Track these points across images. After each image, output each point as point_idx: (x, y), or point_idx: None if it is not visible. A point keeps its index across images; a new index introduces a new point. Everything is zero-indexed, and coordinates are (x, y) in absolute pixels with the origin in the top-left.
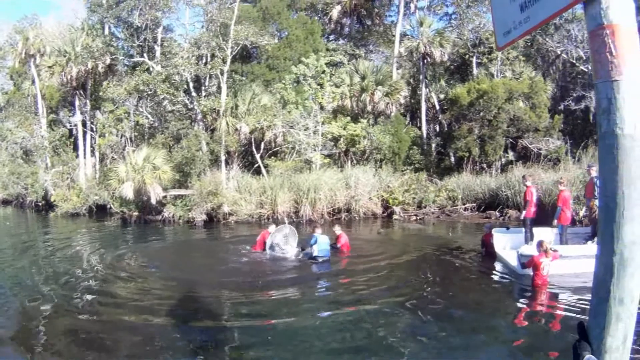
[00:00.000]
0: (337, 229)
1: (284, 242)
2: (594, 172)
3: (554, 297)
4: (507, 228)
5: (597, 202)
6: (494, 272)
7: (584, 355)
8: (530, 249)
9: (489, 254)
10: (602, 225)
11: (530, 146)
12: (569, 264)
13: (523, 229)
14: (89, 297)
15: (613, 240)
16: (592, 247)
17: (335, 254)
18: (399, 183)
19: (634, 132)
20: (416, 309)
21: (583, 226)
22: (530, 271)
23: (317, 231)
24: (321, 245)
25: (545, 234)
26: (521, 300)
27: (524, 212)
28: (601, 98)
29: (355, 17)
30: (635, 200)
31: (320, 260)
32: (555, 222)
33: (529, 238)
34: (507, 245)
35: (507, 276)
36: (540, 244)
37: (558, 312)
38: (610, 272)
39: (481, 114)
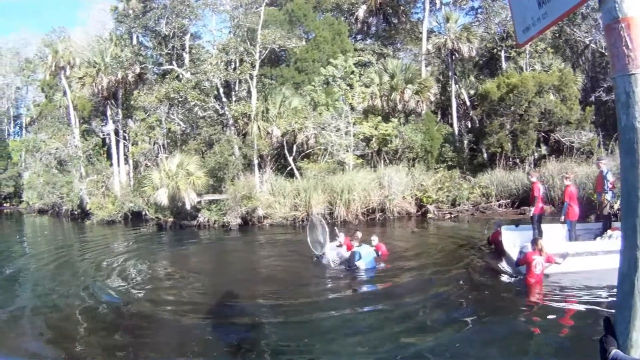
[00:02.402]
0: (375, 239)
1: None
2: (603, 166)
3: (562, 295)
4: (517, 225)
5: (607, 196)
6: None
7: (610, 350)
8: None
9: (498, 252)
10: (624, 220)
11: (562, 139)
12: (579, 261)
13: (532, 226)
14: (126, 299)
15: (636, 234)
16: (601, 244)
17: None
18: (432, 181)
19: None
20: (450, 320)
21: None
22: (524, 269)
23: (355, 243)
24: (366, 258)
25: (554, 230)
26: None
27: (532, 209)
28: (619, 92)
29: (382, 15)
30: None
31: (365, 269)
32: (562, 218)
33: (537, 235)
34: (516, 242)
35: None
36: (534, 242)
37: (570, 310)
38: (634, 266)
39: (512, 108)
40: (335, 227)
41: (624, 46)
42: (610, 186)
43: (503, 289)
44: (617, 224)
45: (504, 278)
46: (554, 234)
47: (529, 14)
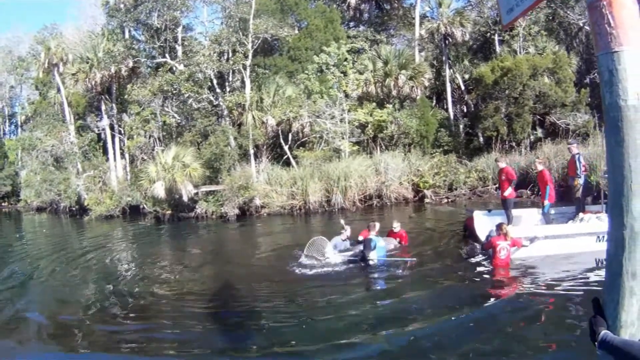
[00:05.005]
0: (397, 226)
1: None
2: (575, 150)
3: (532, 279)
4: (489, 210)
5: (580, 180)
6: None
7: (599, 331)
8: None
9: (472, 237)
10: (610, 199)
11: (558, 122)
12: (549, 244)
13: (504, 211)
14: (127, 294)
15: (622, 214)
16: (572, 227)
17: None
18: (429, 166)
19: (637, 102)
20: (450, 310)
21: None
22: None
23: (372, 233)
24: (380, 250)
25: (529, 215)
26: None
27: (509, 190)
28: (603, 70)
29: (374, 2)
30: None
31: (374, 264)
32: (546, 201)
33: (511, 219)
34: (488, 227)
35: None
36: (499, 227)
37: (541, 294)
38: (621, 246)
39: (507, 92)
40: (342, 220)
41: (606, 24)
42: (583, 170)
43: (477, 277)
44: (593, 207)
45: (476, 265)
46: (528, 218)
47: None
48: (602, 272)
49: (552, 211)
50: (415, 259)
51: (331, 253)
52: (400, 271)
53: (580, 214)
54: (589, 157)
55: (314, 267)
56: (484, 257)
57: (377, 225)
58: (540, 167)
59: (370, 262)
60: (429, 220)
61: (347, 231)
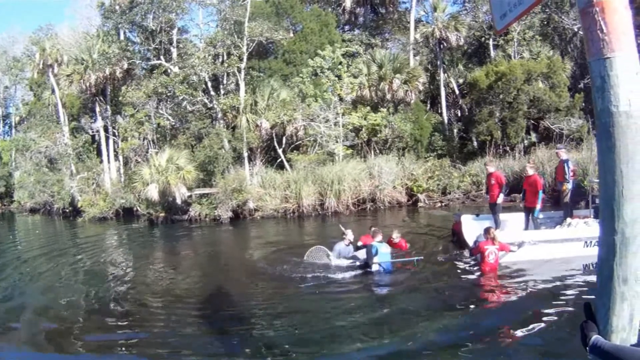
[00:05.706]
0: (397, 236)
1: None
2: (564, 155)
3: (520, 285)
4: (477, 215)
5: (568, 185)
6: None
7: (591, 336)
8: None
9: (460, 242)
10: (602, 204)
11: (552, 127)
12: (537, 249)
13: (492, 215)
14: (117, 298)
15: (614, 219)
16: (559, 232)
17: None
18: (423, 170)
19: (629, 109)
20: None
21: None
22: (479, 257)
23: (377, 238)
24: (382, 256)
25: (516, 219)
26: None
27: (502, 197)
28: (594, 76)
29: (369, 5)
30: (633, 177)
31: (378, 271)
32: (539, 206)
33: (499, 223)
34: (476, 232)
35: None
36: (487, 231)
37: (527, 300)
38: (612, 252)
39: (501, 96)
40: (340, 225)
41: (598, 30)
42: (571, 174)
43: (467, 282)
44: (581, 212)
45: (464, 270)
46: (515, 222)
47: (505, 1)
48: (590, 277)
49: (540, 216)
50: (421, 257)
51: (335, 261)
52: (399, 277)
53: (568, 219)
54: (583, 162)
55: (311, 275)
56: (472, 262)
57: (379, 232)
58: (531, 172)
59: (374, 268)
60: (422, 225)
61: (349, 235)
